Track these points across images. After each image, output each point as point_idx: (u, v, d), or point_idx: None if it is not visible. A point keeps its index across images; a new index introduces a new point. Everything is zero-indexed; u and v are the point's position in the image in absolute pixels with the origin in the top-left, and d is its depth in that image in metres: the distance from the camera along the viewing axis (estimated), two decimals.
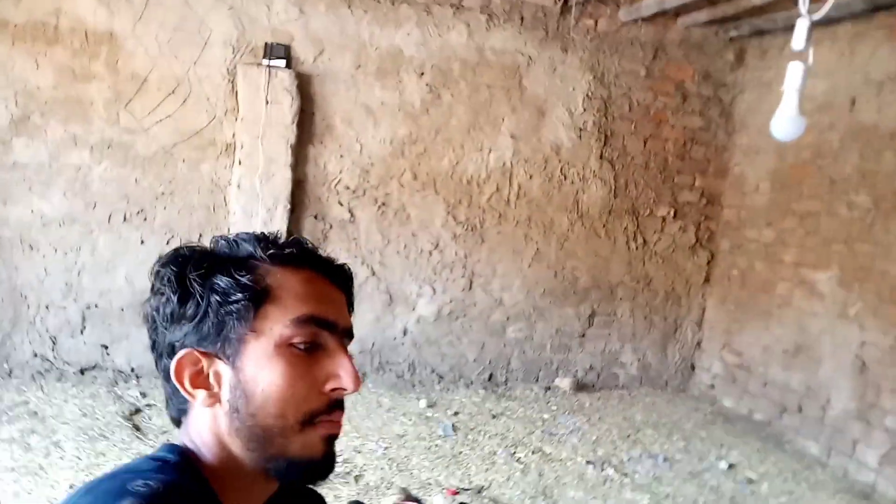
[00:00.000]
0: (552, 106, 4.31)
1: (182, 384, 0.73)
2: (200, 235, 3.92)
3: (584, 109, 4.37)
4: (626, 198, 4.52)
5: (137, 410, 3.41)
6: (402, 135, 4.10)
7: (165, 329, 0.74)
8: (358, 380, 0.75)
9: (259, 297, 0.73)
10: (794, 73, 1.74)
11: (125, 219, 3.84)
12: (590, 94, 4.36)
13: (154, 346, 0.76)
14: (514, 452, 3.32)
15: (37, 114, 3.64)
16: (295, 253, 0.77)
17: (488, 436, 3.52)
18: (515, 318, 4.43)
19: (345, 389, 0.75)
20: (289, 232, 3.93)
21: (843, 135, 3.82)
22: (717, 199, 4.68)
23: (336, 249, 4.08)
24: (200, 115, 3.86)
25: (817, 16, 1.74)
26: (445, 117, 4.15)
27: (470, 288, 4.33)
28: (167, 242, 3.90)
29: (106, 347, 3.86)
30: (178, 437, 0.77)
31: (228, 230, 3.88)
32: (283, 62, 3.87)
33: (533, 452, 3.35)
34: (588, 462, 3.28)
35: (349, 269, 0.84)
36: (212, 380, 0.73)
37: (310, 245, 0.81)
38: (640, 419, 4.00)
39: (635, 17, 4.27)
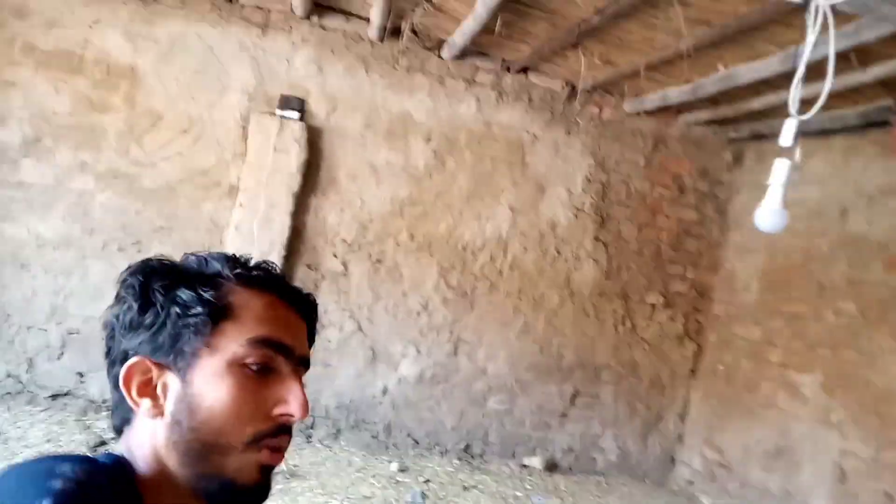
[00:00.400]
0: (552, 184, 4.42)
1: (129, 391, 0.73)
2: None
3: (583, 191, 4.47)
4: (617, 281, 4.56)
5: (103, 443, 3.33)
6: (404, 196, 4.18)
7: (122, 337, 0.75)
8: (306, 408, 0.76)
9: (218, 314, 0.73)
10: (780, 168, 1.82)
11: (120, 248, 3.85)
12: (589, 176, 4.48)
13: (108, 353, 0.76)
14: None
15: (49, 137, 3.72)
16: (262, 276, 0.79)
17: None
18: (498, 389, 4.39)
19: (292, 416, 0.75)
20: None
21: (833, 242, 3.90)
22: (707, 292, 4.73)
23: (326, 301, 4.08)
24: (209, 156, 3.94)
25: (806, 116, 1.83)
26: (447, 183, 4.24)
27: (455, 353, 4.30)
28: None
29: (81, 375, 3.79)
30: (118, 447, 0.76)
31: None
32: (296, 114, 3.99)
33: None
34: None
35: (314, 299, 0.85)
36: (159, 390, 0.73)
37: (278, 271, 0.82)
38: None
39: (639, 110, 4.44)
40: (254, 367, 0.73)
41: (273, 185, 3.91)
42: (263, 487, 0.75)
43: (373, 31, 4.00)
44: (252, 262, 0.81)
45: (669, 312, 4.66)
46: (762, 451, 3.98)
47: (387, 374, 4.21)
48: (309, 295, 0.84)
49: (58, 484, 0.59)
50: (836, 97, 3.44)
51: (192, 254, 0.80)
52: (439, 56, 4.20)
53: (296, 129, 3.94)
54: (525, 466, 4.31)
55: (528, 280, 4.40)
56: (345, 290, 4.13)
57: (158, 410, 0.72)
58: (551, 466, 4.39)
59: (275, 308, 0.77)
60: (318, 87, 4.08)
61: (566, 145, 4.45)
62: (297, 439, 3.95)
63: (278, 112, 3.97)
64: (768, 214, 1.80)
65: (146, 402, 0.72)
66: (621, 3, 2.75)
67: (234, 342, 0.73)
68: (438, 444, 4.29)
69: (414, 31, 4.06)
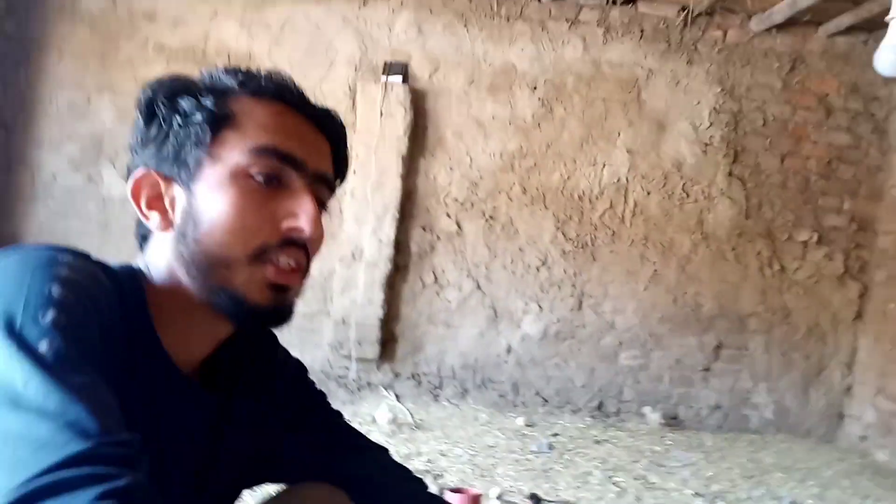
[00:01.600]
0: (674, 120, 4.10)
1: (138, 205, 0.72)
2: None
3: (711, 124, 4.10)
4: (759, 219, 4.13)
5: None
6: (512, 148, 4.08)
7: (135, 153, 0.74)
8: (317, 224, 0.71)
9: (219, 121, 0.70)
10: None
11: None
12: (717, 107, 4.10)
13: (128, 171, 0.75)
14: (612, 476, 3.04)
15: None
16: (270, 84, 0.74)
17: (587, 458, 3.26)
18: (629, 343, 4.14)
19: (301, 230, 0.71)
20: (397, 241, 4.02)
21: None
22: (870, 224, 4.14)
23: (443, 261, 4.09)
24: None
25: None
26: (557, 131, 4.08)
27: (579, 308, 4.13)
28: None
29: None
30: (138, 260, 0.75)
31: (342, 237, 4.04)
32: (399, 78, 4.04)
33: (634, 479, 3.05)
34: (697, 494, 2.92)
35: (336, 114, 0.80)
36: (167, 203, 0.71)
37: (290, 81, 0.77)
38: (770, 462, 3.52)
39: (768, 26, 3.98)
40: (259, 178, 0.70)
41: (382, 150, 3.98)
42: (279, 308, 0.72)
43: None
44: (264, 72, 0.76)
45: (826, 250, 4.13)
46: None
47: (510, 332, 4.13)
48: (329, 110, 0.79)
49: (64, 271, 0.59)
50: None
51: (206, 69, 0.77)
52: (539, 0, 4.05)
53: (400, 93, 3.99)
54: (666, 423, 4.02)
55: (655, 225, 4.11)
56: (461, 250, 4.11)
57: (167, 223, 0.71)
58: (671, 420, 4.04)
59: (283, 117, 0.73)
60: (419, 50, 4.10)
61: (687, 76, 4.10)
62: (424, 397, 4.00)
63: (382, 78, 4.04)
64: (891, 53, 1.49)
65: (155, 216, 0.72)
66: None
67: (236, 151, 0.70)
68: (569, 402, 4.13)
69: None
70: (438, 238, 4.10)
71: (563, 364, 4.14)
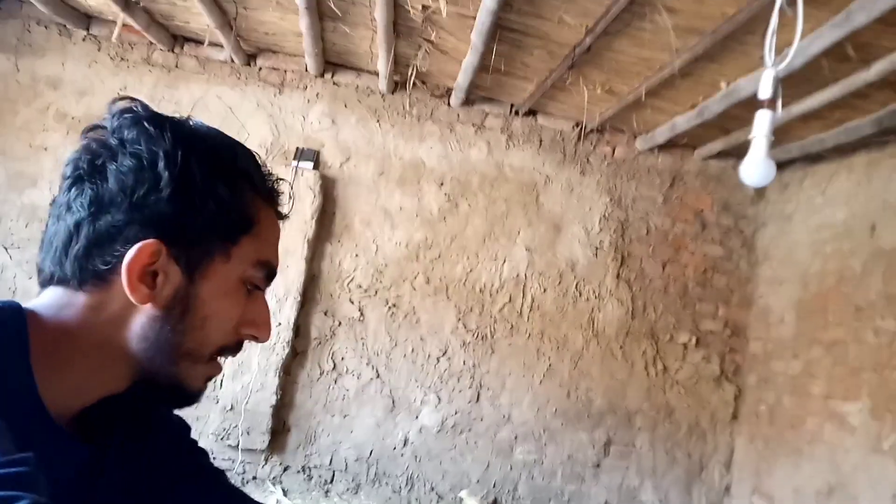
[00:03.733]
0: (568, 223, 4.38)
1: (131, 273, 0.65)
2: None
3: (601, 229, 4.41)
4: (644, 320, 4.40)
5: None
6: (418, 239, 4.19)
7: (128, 206, 0.65)
8: (270, 331, 0.75)
9: (245, 226, 0.70)
10: (761, 120, 1.76)
11: None
12: (606, 215, 4.43)
13: (99, 207, 0.66)
14: None
15: None
16: (277, 196, 0.76)
17: None
18: (524, 437, 4.18)
19: (259, 338, 0.75)
20: (297, 325, 3.94)
21: (865, 260, 3.71)
22: (742, 330, 4.51)
23: (343, 348, 4.04)
24: None
25: (781, 66, 1.79)
26: (462, 225, 4.24)
27: (477, 400, 4.15)
28: None
29: None
30: (39, 296, 0.69)
31: None
32: (311, 164, 4.11)
33: None
34: None
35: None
36: (159, 278, 0.66)
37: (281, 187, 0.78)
38: None
39: (651, 146, 4.43)
40: (250, 288, 0.72)
41: (288, 233, 3.95)
42: (201, 392, 0.74)
43: (382, 84, 4.15)
44: (272, 175, 0.77)
45: (703, 352, 4.44)
46: (815, 491, 3.63)
47: (407, 423, 4.07)
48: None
49: None
50: (846, 107, 3.40)
51: (201, 125, 0.73)
52: (448, 104, 4.32)
53: (310, 178, 4.05)
54: None
55: (550, 321, 4.28)
56: (362, 337, 4.08)
57: (148, 298, 0.66)
58: None
59: (276, 229, 0.76)
60: (331, 139, 4.21)
61: (580, 184, 4.44)
62: (313, 493, 3.80)
63: (294, 164, 4.10)
64: (754, 166, 1.73)
65: (143, 288, 0.65)
66: (608, 17, 2.80)
67: (247, 259, 0.71)
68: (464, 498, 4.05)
69: (422, 81, 4.21)
70: (340, 324, 4.06)
71: (459, 457, 4.09)
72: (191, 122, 0.73)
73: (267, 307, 0.75)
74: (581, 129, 4.39)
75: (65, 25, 4.10)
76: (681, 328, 4.44)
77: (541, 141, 4.43)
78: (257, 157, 0.75)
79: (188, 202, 0.66)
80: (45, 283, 0.69)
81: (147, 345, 0.67)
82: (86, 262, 0.66)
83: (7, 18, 4.08)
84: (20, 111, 3.94)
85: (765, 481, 4.05)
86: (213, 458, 3.78)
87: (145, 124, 0.67)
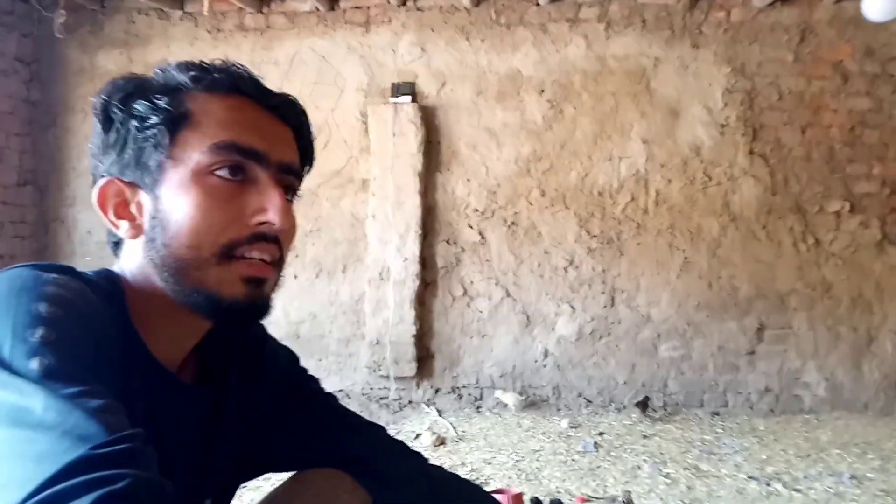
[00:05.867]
0: (686, 105, 4.06)
1: (106, 215, 0.71)
2: (344, 267, 4.18)
3: (725, 104, 4.05)
4: (787, 194, 4.04)
5: None
6: (527, 153, 4.09)
7: (98, 160, 0.73)
8: (287, 216, 0.71)
9: (176, 122, 0.69)
10: None
11: None
12: (730, 87, 4.05)
13: (93, 180, 0.74)
14: (662, 468, 2.98)
15: None
16: (223, 77, 0.72)
17: (635, 453, 3.20)
18: (667, 335, 4.08)
19: (272, 224, 0.70)
20: (422, 257, 4.05)
21: None
22: None
23: (470, 273, 4.11)
24: (339, 156, 4.18)
25: None
26: (569, 131, 4.08)
27: (612, 304, 4.08)
28: (316, 276, 4.20)
29: None
30: (115, 265, 0.75)
31: (368, 259, 4.10)
32: (408, 98, 4.10)
33: (684, 469, 2.98)
34: (751, 478, 2.84)
35: (294, 99, 0.78)
36: (134, 210, 0.70)
37: (245, 72, 0.74)
38: (826, 440, 3.40)
39: (772, 0, 3.94)
40: (222, 175, 0.69)
41: (398, 169, 4.03)
42: (256, 302, 0.71)
43: None
44: (216, 64, 0.74)
45: (860, 218, 4.01)
46: None
47: (544, 336, 4.11)
48: (288, 97, 0.77)
49: (50, 288, 0.60)
50: None
51: (160, 66, 0.74)
52: (537, 4, 4.09)
53: (410, 112, 4.05)
54: (716, 413, 3.93)
55: (680, 213, 4.06)
56: (486, 259, 4.12)
57: (137, 230, 0.71)
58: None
59: (241, 111, 0.71)
60: (424, 68, 4.16)
61: (695, 60, 4.07)
62: (466, 410, 3.99)
63: (391, 100, 4.11)
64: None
65: (124, 224, 0.71)
66: None
67: (196, 150, 0.68)
68: (613, 401, 4.07)
69: None
70: (463, 250, 4.12)
71: (602, 362, 4.09)
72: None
73: (270, 191, 0.70)
74: None
75: (162, 9, 4.31)
76: (831, 196, 4.03)
77: (644, 21, 4.08)
78: (202, 63, 0.73)
79: (116, 132, 0.71)
80: (115, 254, 0.76)
81: (159, 272, 0.69)
82: (108, 230, 0.74)
83: (112, 14, 4.37)
84: None
85: None
86: (370, 388, 4.07)
87: (93, 98, 0.72)
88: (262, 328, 0.89)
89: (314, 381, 0.93)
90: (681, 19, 4.07)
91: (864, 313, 4.01)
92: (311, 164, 0.81)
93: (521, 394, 4.01)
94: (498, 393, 4.00)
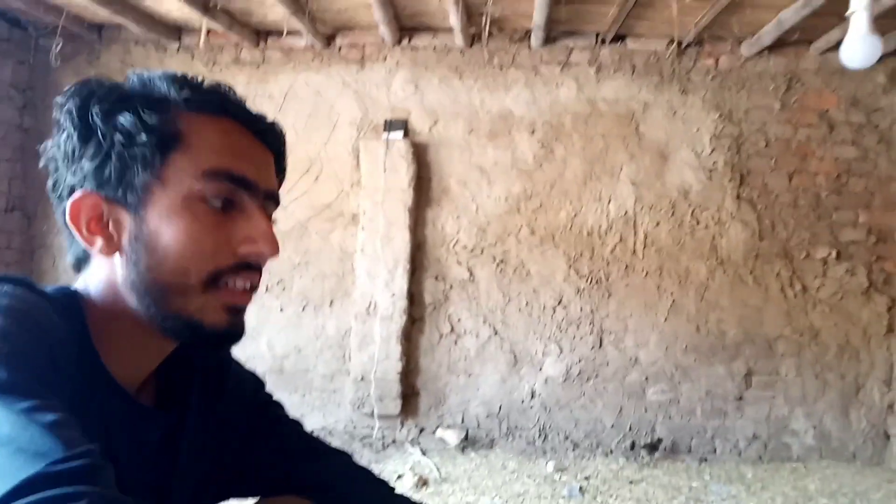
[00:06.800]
0: (675, 149, 4.11)
1: (78, 229, 0.68)
2: (332, 301, 4.14)
3: (713, 149, 4.10)
4: (774, 240, 4.07)
5: None
6: (517, 191, 4.11)
7: (66, 169, 0.69)
8: (275, 245, 0.70)
9: (167, 143, 0.67)
10: None
11: (267, 289, 4.16)
12: (717, 133, 4.10)
13: (54, 188, 0.71)
14: None
15: None
16: (215, 99, 0.71)
17: (620, 499, 3.15)
18: (655, 378, 4.04)
19: (261, 254, 0.70)
20: (410, 293, 4.03)
21: None
22: (889, 235, 4.05)
23: (458, 310, 4.08)
24: (330, 190, 4.19)
25: None
26: (559, 170, 4.11)
27: (600, 346, 4.06)
28: (303, 309, 4.16)
29: None
30: (76, 283, 0.73)
31: (356, 293, 4.06)
32: (400, 134, 4.13)
33: None
34: None
35: (279, 125, 0.78)
36: (111, 228, 0.68)
37: (234, 94, 0.74)
38: (815, 489, 3.36)
39: (759, 49, 4.03)
40: (214, 203, 0.68)
41: (388, 204, 4.04)
42: (233, 328, 0.71)
43: (458, 39, 4.06)
44: (205, 84, 0.72)
45: (846, 265, 4.04)
46: None
47: (531, 375, 4.06)
48: (273, 122, 0.76)
49: (4, 300, 0.58)
50: None
51: (136, 72, 0.72)
52: (529, 47, 4.16)
53: (402, 148, 4.07)
54: (704, 460, 3.88)
55: (668, 255, 4.07)
56: (474, 297, 4.10)
57: (114, 248, 0.68)
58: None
59: (232, 136, 0.70)
60: (417, 105, 4.20)
61: (684, 105, 4.13)
62: (450, 451, 3.92)
63: (384, 136, 4.14)
64: (856, 45, 1.49)
65: (98, 240, 0.68)
66: None
67: (187, 175, 0.67)
68: (601, 444, 4.01)
69: (499, 28, 4.07)
70: (451, 287, 4.10)
71: (589, 404, 4.04)
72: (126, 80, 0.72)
73: (259, 219, 0.70)
74: (676, 44, 4.07)
75: (159, 41, 4.35)
76: (817, 242, 4.06)
77: (633, 67, 4.16)
78: (185, 76, 0.71)
79: (97, 144, 0.67)
80: (76, 269, 0.74)
81: (136, 293, 0.67)
82: (71, 239, 0.71)
83: (109, 44, 4.40)
84: None
85: None
86: (354, 427, 3.99)
87: (59, 100, 0.70)
88: (228, 352, 0.87)
89: (279, 406, 0.91)
90: (670, 65, 4.15)
91: (851, 360, 4.01)
92: (281, 185, 0.81)
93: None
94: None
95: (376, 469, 3.46)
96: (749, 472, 3.68)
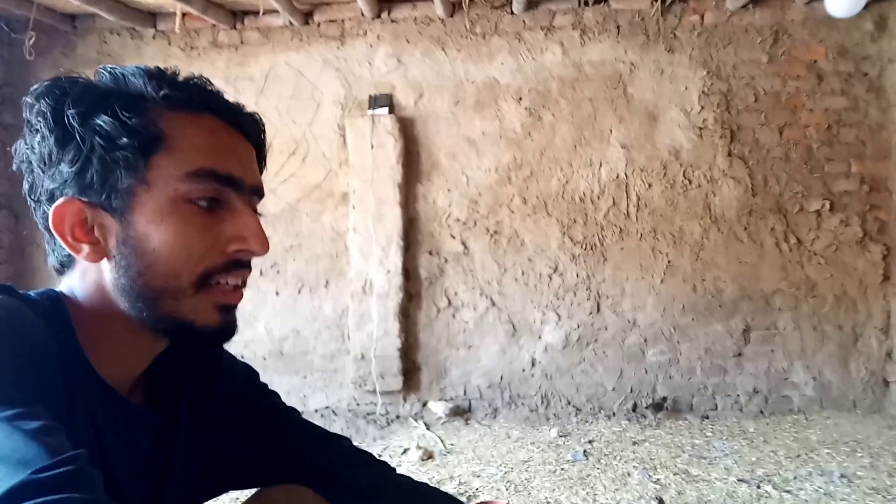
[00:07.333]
0: (664, 109, 4.07)
1: (63, 236, 0.66)
2: (327, 282, 4.13)
3: (703, 107, 4.06)
4: (767, 195, 4.05)
5: None
6: (507, 161, 4.08)
7: (43, 172, 0.67)
8: (265, 241, 0.70)
9: (149, 145, 0.65)
10: None
11: (261, 273, 4.15)
12: (706, 90, 4.06)
13: (31, 191, 0.69)
14: (652, 474, 2.95)
15: None
16: (194, 95, 0.69)
17: (624, 460, 3.17)
18: (654, 339, 4.06)
19: (252, 251, 0.70)
20: (405, 269, 4.02)
21: None
22: (882, 183, 4.04)
23: (454, 283, 4.07)
24: (318, 170, 4.15)
25: None
26: (549, 138, 4.07)
27: (598, 311, 4.06)
28: (298, 291, 4.15)
29: None
30: (60, 286, 0.72)
31: (350, 273, 4.05)
32: (386, 109, 4.08)
33: (675, 474, 2.95)
34: (741, 480, 2.81)
35: (259, 117, 0.77)
36: (96, 233, 0.67)
37: (213, 87, 0.72)
38: (816, 439, 3.39)
39: (745, 3, 3.97)
40: (201, 204, 0.67)
41: (378, 182, 4.00)
42: (226, 327, 0.71)
43: (439, 9, 4.00)
44: (181, 78, 0.70)
45: (840, 216, 4.03)
46: None
47: (531, 344, 4.07)
48: (253, 113, 0.75)
49: None
50: None
51: (106, 68, 0.70)
52: (511, 12, 4.09)
53: (388, 124, 4.02)
54: (706, 417, 3.91)
55: (661, 216, 4.05)
56: (470, 269, 4.09)
57: (100, 253, 0.67)
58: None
59: (215, 134, 0.69)
60: (401, 79, 4.15)
61: (671, 64, 4.08)
62: (455, 423, 3.94)
63: (369, 112, 4.09)
64: None
65: (85, 247, 0.67)
66: None
67: (172, 177, 0.65)
68: (602, 407, 4.04)
69: None
70: (446, 261, 4.09)
71: (590, 369, 4.06)
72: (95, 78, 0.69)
73: (247, 217, 0.69)
74: (660, 2, 4.00)
75: (134, 28, 4.27)
76: (810, 195, 4.05)
77: (618, 27, 4.10)
78: (160, 70, 0.69)
79: (76, 148, 0.65)
80: (59, 273, 0.72)
81: (126, 297, 0.67)
82: (53, 243, 0.69)
83: (85, 35, 4.32)
84: None
85: None
86: (357, 405, 4.00)
87: (29, 100, 0.67)
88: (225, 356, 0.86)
89: (274, 395, 0.90)
90: (655, 24, 4.09)
91: (848, 311, 4.02)
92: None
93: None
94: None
95: (381, 445, 3.50)
96: (751, 427, 3.71)
